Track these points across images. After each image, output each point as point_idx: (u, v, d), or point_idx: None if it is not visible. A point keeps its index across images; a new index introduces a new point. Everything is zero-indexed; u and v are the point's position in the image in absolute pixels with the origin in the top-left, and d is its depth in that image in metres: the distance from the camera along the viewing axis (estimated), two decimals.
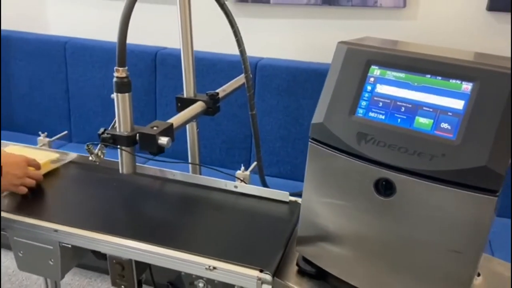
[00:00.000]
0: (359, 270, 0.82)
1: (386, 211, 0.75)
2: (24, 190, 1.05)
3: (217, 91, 1.26)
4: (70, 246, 0.95)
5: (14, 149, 1.25)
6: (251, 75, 1.30)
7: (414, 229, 0.74)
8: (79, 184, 1.16)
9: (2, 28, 2.42)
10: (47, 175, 1.16)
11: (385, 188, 0.74)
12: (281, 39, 1.98)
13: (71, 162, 1.25)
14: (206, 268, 0.85)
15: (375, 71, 0.77)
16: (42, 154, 1.22)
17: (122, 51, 0.93)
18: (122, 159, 0.99)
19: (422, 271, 0.75)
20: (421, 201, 0.72)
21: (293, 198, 1.09)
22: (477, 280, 0.89)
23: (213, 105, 1.23)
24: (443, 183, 0.69)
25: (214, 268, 0.84)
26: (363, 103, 0.77)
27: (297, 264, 0.92)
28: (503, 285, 0.90)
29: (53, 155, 1.24)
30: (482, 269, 0.90)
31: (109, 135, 0.96)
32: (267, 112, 1.90)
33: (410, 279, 0.76)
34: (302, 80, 1.83)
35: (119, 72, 0.94)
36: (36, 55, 2.22)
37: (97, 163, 0.99)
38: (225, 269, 0.84)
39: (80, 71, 2.15)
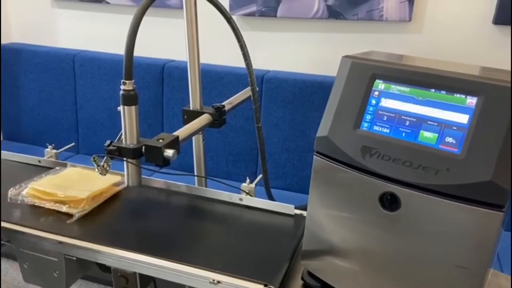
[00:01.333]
0: (364, 285, 0.81)
1: (391, 225, 0.75)
2: None
3: (223, 103, 1.27)
4: (74, 258, 0.95)
5: (75, 172, 1.20)
6: (257, 88, 1.31)
7: (420, 243, 0.73)
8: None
9: (13, 41, 2.46)
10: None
11: (390, 202, 0.74)
12: (288, 52, 1.99)
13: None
14: (210, 282, 0.84)
15: (380, 85, 0.77)
16: (103, 177, 1.17)
17: (129, 65, 0.94)
18: (128, 171, 1.00)
19: (428, 286, 0.74)
20: (426, 215, 0.71)
21: (298, 211, 1.08)
22: None
23: (219, 117, 1.23)
24: (448, 197, 0.68)
25: (218, 282, 0.84)
26: (368, 117, 0.77)
27: (302, 278, 0.91)
28: None
29: (115, 178, 1.18)
30: (490, 285, 0.89)
31: (115, 147, 0.97)
32: (274, 124, 1.90)
33: None
34: (309, 93, 1.83)
35: (126, 85, 0.95)
36: (45, 68, 2.25)
37: (104, 175, 0.99)
38: (229, 283, 0.84)
39: (89, 83, 2.18)
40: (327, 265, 0.86)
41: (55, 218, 1.02)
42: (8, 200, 1.07)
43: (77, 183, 1.12)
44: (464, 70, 0.75)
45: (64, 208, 1.04)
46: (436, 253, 0.72)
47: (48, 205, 1.05)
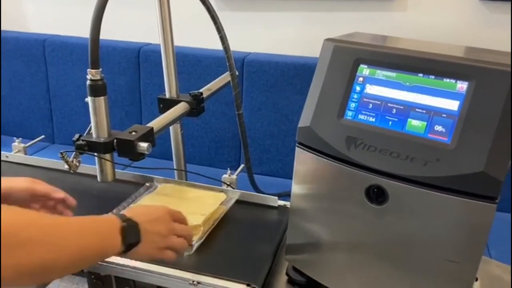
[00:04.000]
0: (351, 280, 0.78)
1: (378, 219, 0.71)
2: (172, 255, 0.75)
3: (201, 90, 1.20)
4: None
5: (171, 189, 1.05)
6: (237, 72, 1.25)
7: (409, 238, 0.69)
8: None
9: None
10: None
11: (376, 195, 0.70)
12: (268, 33, 1.92)
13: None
14: (190, 283, 0.80)
15: (364, 70, 0.72)
16: (209, 195, 1.03)
17: (95, 52, 0.87)
18: (99, 166, 0.94)
19: (417, 281, 0.71)
20: (415, 209, 0.67)
21: (282, 203, 1.04)
22: (475, 286, 0.85)
23: (197, 105, 1.17)
24: (438, 190, 0.65)
25: (198, 283, 0.79)
26: (352, 105, 0.72)
27: (287, 274, 0.87)
28: None
29: (220, 196, 1.03)
30: (480, 273, 0.86)
31: (84, 142, 0.90)
32: (256, 109, 1.85)
33: None
34: (291, 76, 1.77)
35: (93, 74, 0.88)
36: (15, 54, 2.14)
37: (72, 172, 0.93)
38: (209, 284, 0.79)
39: (61, 69, 2.08)
40: (312, 260, 0.82)
41: None
42: None
43: (182, 205, 0.95)
44: (454, 53, 0.70)
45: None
46: (426, 248, 0.68)
47: None
